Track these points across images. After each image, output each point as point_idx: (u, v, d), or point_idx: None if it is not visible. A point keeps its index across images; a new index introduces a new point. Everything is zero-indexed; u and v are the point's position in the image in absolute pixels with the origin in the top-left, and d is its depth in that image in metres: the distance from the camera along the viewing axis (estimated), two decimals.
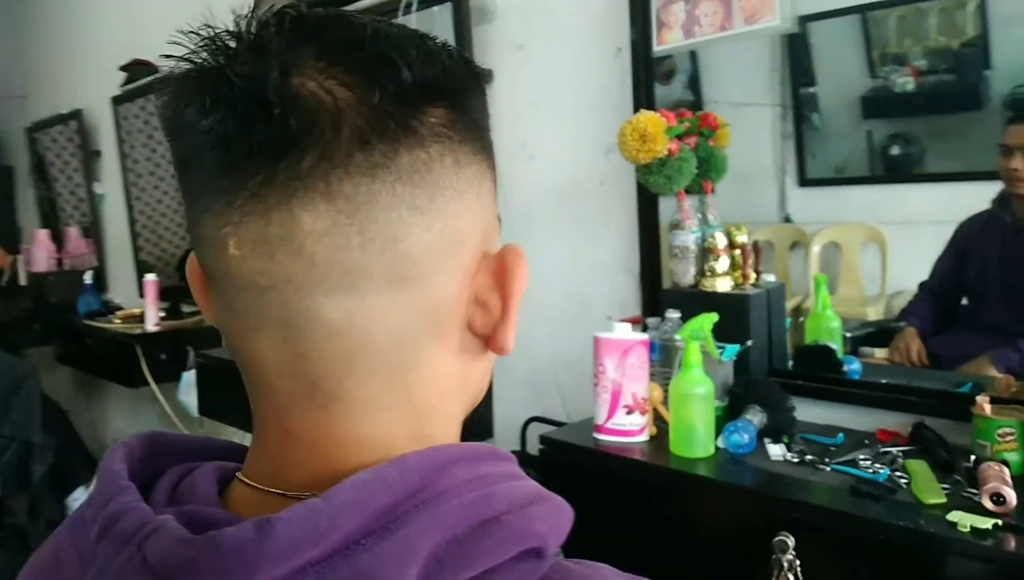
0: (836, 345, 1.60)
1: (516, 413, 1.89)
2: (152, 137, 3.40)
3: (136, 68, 3.22)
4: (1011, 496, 1.04)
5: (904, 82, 1.64)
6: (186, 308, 3.04)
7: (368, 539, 0.33)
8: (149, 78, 3.13)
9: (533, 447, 1.61)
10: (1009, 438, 1.18)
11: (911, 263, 1.69)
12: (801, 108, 1.77)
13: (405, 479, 0.35)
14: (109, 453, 0.42)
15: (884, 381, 1.51)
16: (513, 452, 0.50)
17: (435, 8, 2.02)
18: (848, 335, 1.62)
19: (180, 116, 0.37)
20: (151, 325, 2.84)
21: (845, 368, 1.56)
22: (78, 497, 3.08)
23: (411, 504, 0.35)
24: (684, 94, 1.76)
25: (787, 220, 1.79)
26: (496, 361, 0.46)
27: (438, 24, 2.03)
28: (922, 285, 1.60)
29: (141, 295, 3.30)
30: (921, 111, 1.67)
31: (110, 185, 3.76)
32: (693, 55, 1.71)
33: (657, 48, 1.58)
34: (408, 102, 0.36)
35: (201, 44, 0.37)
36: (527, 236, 1.90)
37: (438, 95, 0.38)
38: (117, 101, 3.39)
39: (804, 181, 1.81)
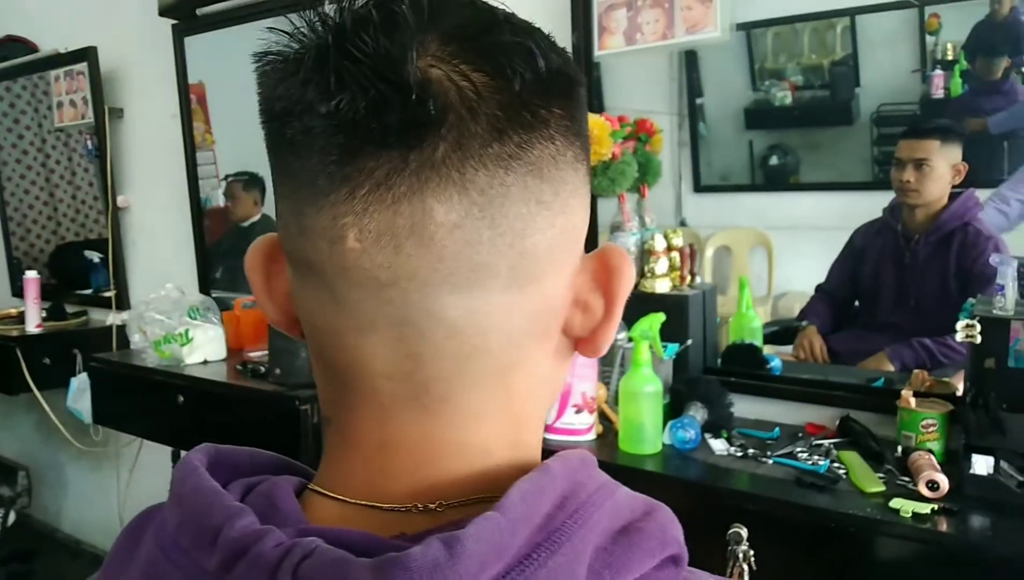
0: (759, 343, 1.68)
1: None
2: (19, 121, 3.12)
3: (8, 45, 2.95)
4: (944, 482, 1.13)
5: (783, 96, 1.74)
6: (70, 308, 2.81)
7: (538, 553, 0.32)
8: (26, 58, 2.87)
9: None
10: (932, 429, 1.28)
11: (795, 266, 1.80)
12: (696, 117, 1.84)
13: (556, 489, 0.35)
14: (187, 469, 0.38)
15: (807, 377, 1.60)
16: None
17: None
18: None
19: (291, 96, 0.34)
20: (32, 327, 2.61)
21: (769, 365, 1.65)
22: None
23: (564, 515, 0.34)
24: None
25: (683, 224, 1.86)
26: None
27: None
28: (818, 287, 1.70)
29: (15, 294, 3.04)
30: (798, 124, 1.78)
31: None
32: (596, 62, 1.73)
33: (598, 52, 1.61)
34: (542, 93, 0.35)
35: (310, 20, 0.35)
36: None
37: (565, 87, 0.37)
38: None
39: (698, 187, 1.89)
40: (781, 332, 1.75)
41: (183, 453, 2.38)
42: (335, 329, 0.36)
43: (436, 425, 0.37)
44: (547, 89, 0.35)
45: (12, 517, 2.91)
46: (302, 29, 0.35)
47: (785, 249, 1.77)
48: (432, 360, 0.36)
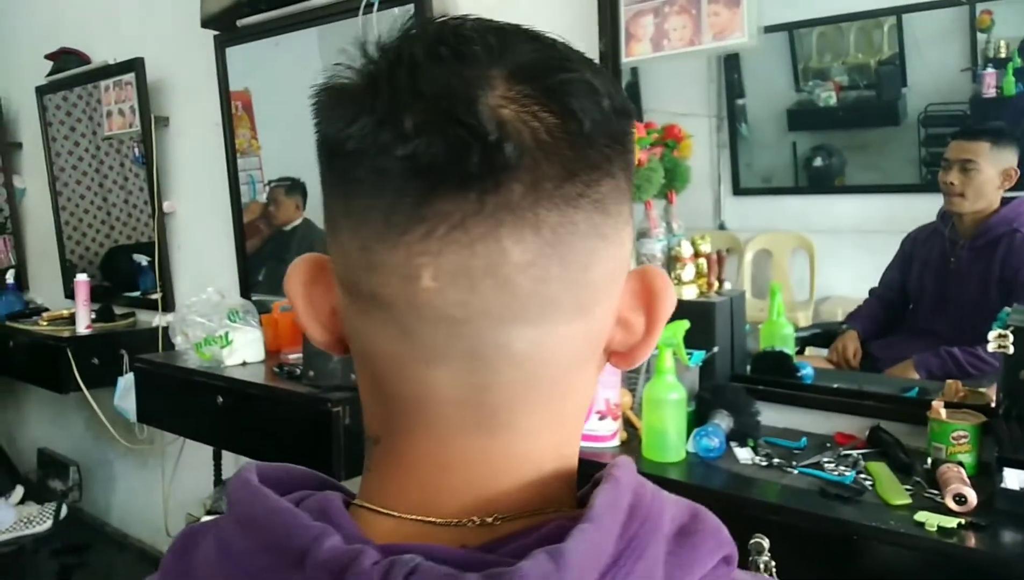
0: (790, 351, 1.66)
1: None
2: (75, 129, 3.25)
3: (64, 57, 3.06)
4: (972, 496, 1.10)
5: (827, 96, 1.71)
6: (118, 310, 2.91)
7: (624, 560, 0.34)
8: (79, 69, 2.99)
9: None
10: (963, 441, 1.25)
11: (837, 270, 1.77)
12: (735, 120, 1.83)
13: (626, 499, 0.37)
14: (250, 490, 0.38)
15: (837, 386, 1.58)
16: None
17: (396, 10, 1.99)
18: (795, 335, 1.69)
19: (364, 136, 0.35)
20: (82, 328, 2.71)
21: (800, 373, 1.63)
22: None
23: (637, 524, 0.36)
24: None
25: (722, 227, 1.85)
26: None
27: (397, 27, 2.00)
28: (871, 291, 1.68)
29: (67, 296, 3.16)
30: (842, 124, 1.75)
31: (31, 179, 3.57)
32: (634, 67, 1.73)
33: (626, 60, 1.61)
34: (606, 132, 0.36)
35: (372, 56, 0.36)
36: None
37: (625, 124, 0.38)
38: (41, 91, 3.22)
39: (738, 190, 1.87)
40: (823, 335, 1.73)
41: (224, 454, 2.45)
42: (400, 359, 0.37)
43: (496, 446, 0.38)
44: (611, 127, 0.37)
45: (64, 510, 3.02)
46: (365, 62, 0.36)
47: (827, 253, 1.74)
48: (498, 388, 0.37)
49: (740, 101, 1.81)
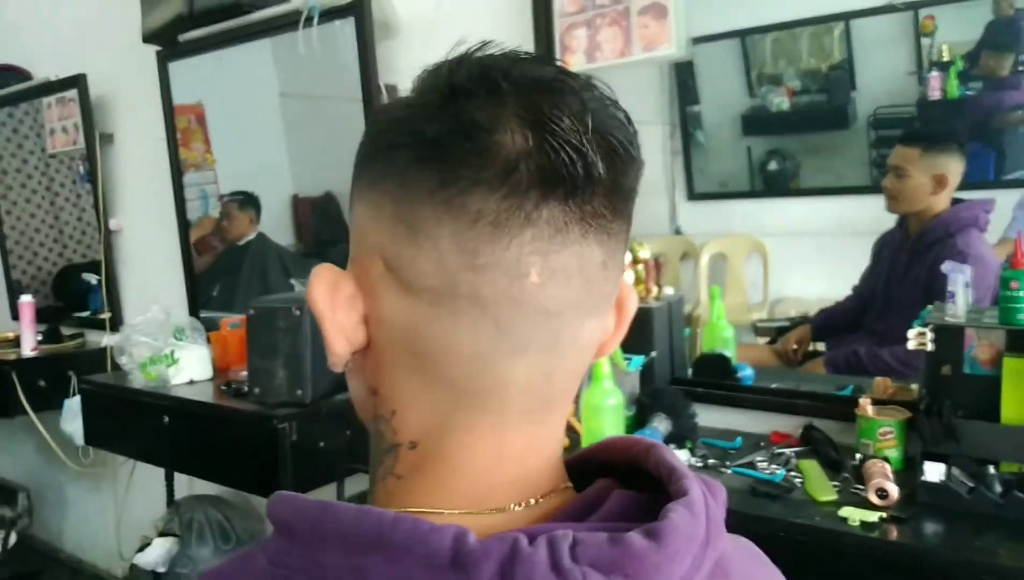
0: (730, 353, 1.69)
1: None
2: (22, 147, 3.19)
3: (3, 74, 3.01)
4: (893, 490, 1.14)
5: (780, 101, 1.75)
6: (67, 331, 2.86)
7: (709, 501, 0.41)
8: (20, 85, 2.94)
9: None
10: (889, 436, 1.29)
11: (790, 271, 1.81)
12: (687, 126, 1.86)
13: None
14: (378, 518, 0.37)
15: (775, 386, 1.61)
16: None
17: (336, 22, 2.00)
18: (763, 326, 1.75)
19: (486, 148, 0.38)
20: (28, 350, 2.66)
21: (739, 375, 1.66)
22: None
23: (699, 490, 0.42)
24: None
25: (678, 232, 1.88)
26: None
27: (340, 39, 2.01)
28: (853, 288, 1.70)
29: (14, 317, 3.09)
30: (795, 129, 1.79)
31: None
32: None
33: None
34: (638, 163, 0.42)
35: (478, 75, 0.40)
36: None
37: (639, 149, 0.43)
38: None
39: (692, 195, 1.90)
40: (790, 328, 1.76)
41: (177, 474, 2.41)
42: (485, 354, 0.40)
43: (543, 432, 0.43)
44: (638, 159, 0.42)
45: (13, 538, 2.95)
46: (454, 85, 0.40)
47: (781, 255, 1.79)
48: (559, 375, 0.42)
49: (695, 108, 1.84)
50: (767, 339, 1.74)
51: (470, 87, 0.39)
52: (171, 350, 2.05)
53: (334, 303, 0.42)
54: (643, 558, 0.35)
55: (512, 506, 0.41)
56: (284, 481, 1.72)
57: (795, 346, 1.68)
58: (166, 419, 1.95)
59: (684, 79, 1.82)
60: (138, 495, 2.74)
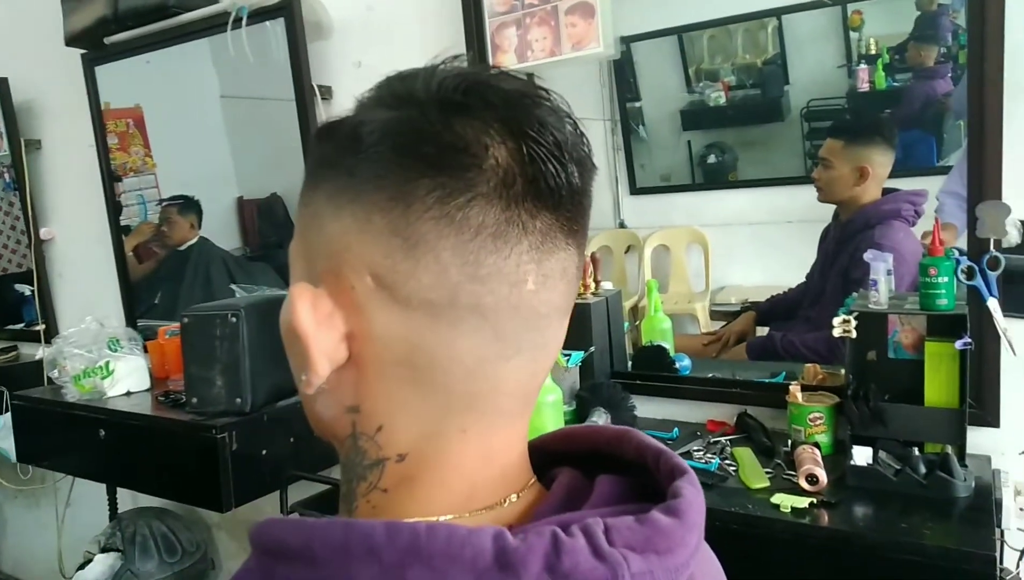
0: (668, 344, 1.72)
1: None
2: None
3: None
4: (823, 476, 1.16)
5: (717, 96, 1.79)
6: (1, 344, 2.77)
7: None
8: None
9: None
10: (819, 422, 1.32)
11: (730, 261, 1.85)
12: (628, 122, 1.89)
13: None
14: (462, 536, 0.37)
15: (710, 375, 1.64)
16: None
17: (267, 23, 1.96)
18: (718, 310, 1.80)
19: (482, 158, 0.39)
20: None
21: (677, 365, 1.68)
22: None
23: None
24: None
25: (622, 225, 1.91)
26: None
27: (271, 39, 1.98)
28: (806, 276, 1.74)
29: None
30: (732, 122, 1.84)
31: None
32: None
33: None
34: (595, 168, 0.44)
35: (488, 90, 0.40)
36: None
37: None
38: None
39: (635, 189, 1.93)
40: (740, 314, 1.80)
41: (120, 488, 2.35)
42: (483, 359, 0.41)
43: (518, 429, 0.45)
44: (595, 167, 0.44)
45: None
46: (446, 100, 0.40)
47: (721, 245, 1.83)
48: (540, 375, 0.44)
49: (636, 104, 1.87)
50: (724, 323, 1.78)
51: (461, 100, 0.39)
52: (106, 361, 2.00)
53: (318, 324, 0.41)
54: (670, 534, 0.38)
55: (499, 503, 0.42)
56: (226, 492, 1.69)
57: (735, 332, 1.71)
58: (102, 433, 1.90)
59: (624, 76, 1.84)
60: (80, 510, 2.67)
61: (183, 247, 2.45)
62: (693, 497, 0.41)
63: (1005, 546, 1.20)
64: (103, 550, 2.20)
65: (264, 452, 1.76)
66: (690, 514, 0.40)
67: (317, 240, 0.42)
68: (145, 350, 2.14)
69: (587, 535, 0.36)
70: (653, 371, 1.65)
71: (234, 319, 1.69)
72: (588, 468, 0.47)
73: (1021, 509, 1.24)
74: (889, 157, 1.58)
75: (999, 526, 1.13)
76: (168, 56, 2.24)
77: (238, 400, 1.71)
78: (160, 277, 2.51)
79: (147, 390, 2.05)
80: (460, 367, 0.41)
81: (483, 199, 0.38)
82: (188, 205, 2.42)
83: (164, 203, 2.46)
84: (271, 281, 2.23)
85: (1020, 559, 1.22)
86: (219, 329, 1.70)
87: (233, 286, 1.99)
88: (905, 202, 1.52)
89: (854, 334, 1.24)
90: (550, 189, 0.39)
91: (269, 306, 1.79)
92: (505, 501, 0.43)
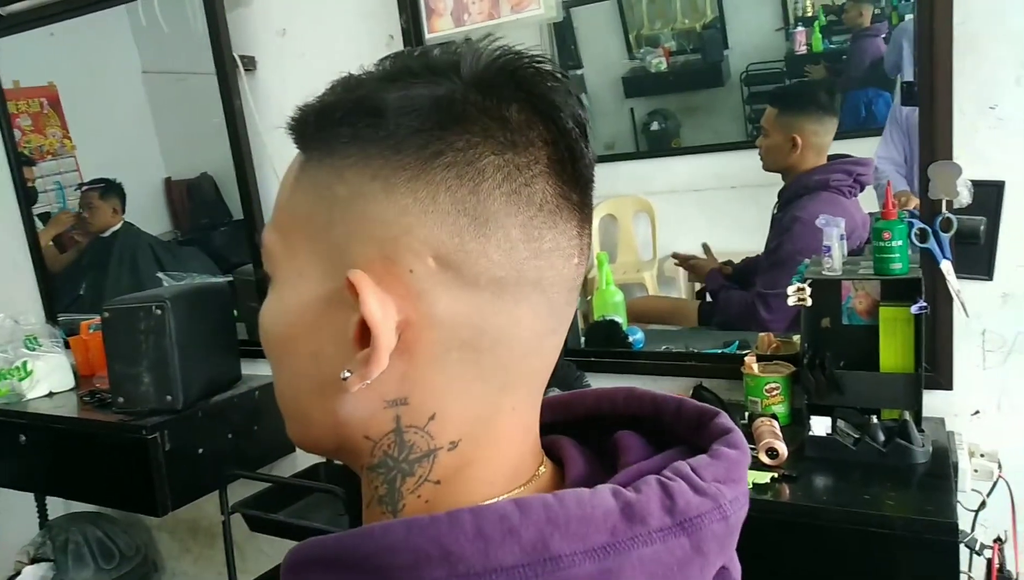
0: (621, 318, 1.67)
1: None
2: None
3: None
4: (783, 449, 1.14)
5: (658, 62, 1.76)
6: None
7: None
8: None
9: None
10: (775, 393, 1.30)
11: (676, 228, 1.82)
12: None
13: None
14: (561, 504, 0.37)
15: (664, 348, 1.61)
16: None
17: None
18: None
19: (537, 136, 0.40)
20: None
21: (630, 339, 1.64)
22: None
23: None
24: None
25: None
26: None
27: (188, 8, 1.85)
28: None
29: None
30: (674, 88, 1.81)
31: None
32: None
33: (429, 36, 1.54)
34: None
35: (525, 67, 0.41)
36: None
37: None
38: None
39: None
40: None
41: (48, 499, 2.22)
42: (539, 334, 0.41)
43: (539, 400, 0.45)
44: None
45: None
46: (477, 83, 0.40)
47: (667, 212, 1.80)
48: (560, 347, 0.44)
49: (579, 71, 1.82)
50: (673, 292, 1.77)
51: (507, 81, 0.40)
52: (23, 361, 1.87)
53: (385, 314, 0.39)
54: (738, 463, 0.42)
55: (535, 476, 0.43)
56: (161, 495, 1.60)
57: (695, 258, 1.71)
58: (23, 438, 1.78)
59: (565, 43, 1.79)
60: (7, 519, 2.51)
61: (106, 234, 2.31)
62: (741, 435, 0.44)
63: (959, 507, 1.20)
64: (33, 561, 2.08)
65: (200, 451, 1.67)
66: (743, 446, 0.43)
67: (356, 225, 0.39)
68: (67, 346, 2.01)
69: (683, 477, 0.39)
70: (606, 347, 1.60)
71: (159, 311, 1.58)
72: (565, 433, 0.48)
73: (976, 470, 1.24)
74: (827, 125, 1.55)
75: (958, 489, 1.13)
76: (81, 29, 2.08)
77: (168, 397, 1.61)
78: (83, 267, 2.37)
79: (71, 390, 1.93)
80: (520, 345, 0.41)
81: (543, 177, 0.40)
82: (110, 188, 2.28)
83: (84, 188, 2.30)
84: (203, 266, 2.12)
85: (975, 519, 1.22)
86: (143, 322, 1.59)
87: (160, 275, 1.87)
88: (838, 173, 1.50)
89: (809, 302, 1.21)
90: (584, 168, 0.41)
91: (198, 295, 1.69)
92: (536, 474, 0.44)
